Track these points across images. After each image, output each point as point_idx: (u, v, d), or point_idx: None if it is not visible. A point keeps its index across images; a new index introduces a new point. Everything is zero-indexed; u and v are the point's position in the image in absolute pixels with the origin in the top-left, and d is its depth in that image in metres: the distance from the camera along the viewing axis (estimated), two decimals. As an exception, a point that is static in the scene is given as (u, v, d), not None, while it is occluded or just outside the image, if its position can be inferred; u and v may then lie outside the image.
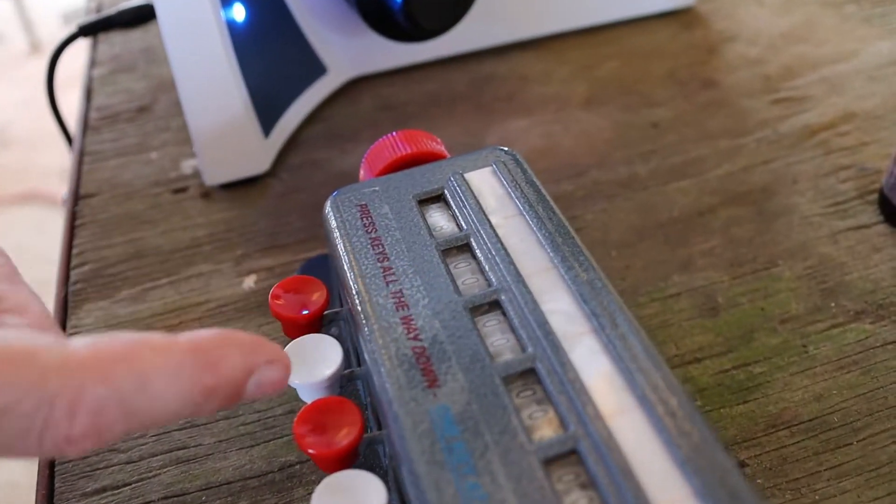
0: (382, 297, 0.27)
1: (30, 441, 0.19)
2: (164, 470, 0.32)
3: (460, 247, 0.29)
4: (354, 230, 0.30)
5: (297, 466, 0.32)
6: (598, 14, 0.56)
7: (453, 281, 0.28)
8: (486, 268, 0.28)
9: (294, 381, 0.28)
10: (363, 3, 0.45)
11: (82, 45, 0.59)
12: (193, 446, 0.33)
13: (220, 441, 0.33)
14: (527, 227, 0.29)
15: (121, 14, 0.53)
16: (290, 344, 0.29)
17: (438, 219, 0.31)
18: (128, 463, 0.32)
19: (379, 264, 0.29)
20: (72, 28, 0.53)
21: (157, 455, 0.32)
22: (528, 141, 0.47)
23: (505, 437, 0.23)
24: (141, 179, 0.47)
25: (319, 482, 0.24)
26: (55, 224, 1.76)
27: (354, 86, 0.53)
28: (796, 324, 0.36)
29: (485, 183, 0.32)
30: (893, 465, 0.30)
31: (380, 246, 0.29)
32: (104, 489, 0.32)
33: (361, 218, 0.31)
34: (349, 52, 0.51)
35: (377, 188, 0.32)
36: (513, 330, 0.26)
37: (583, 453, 0.22)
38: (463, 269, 0.29)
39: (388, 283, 0.28)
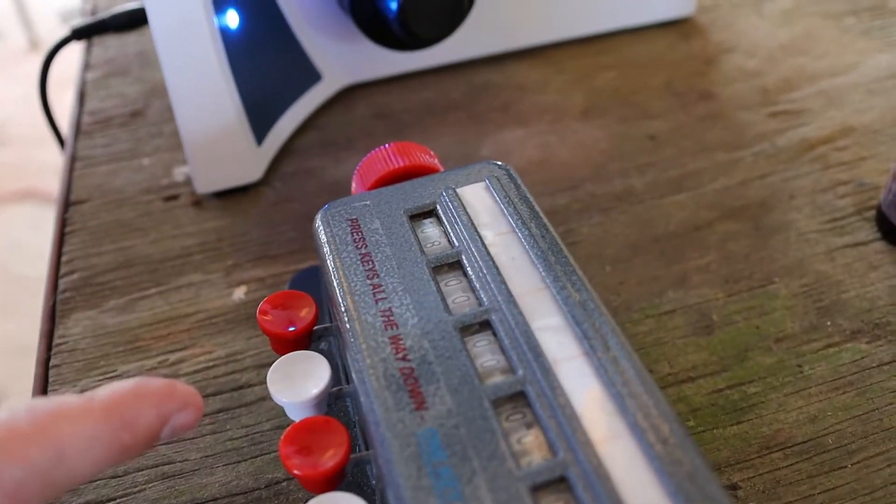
0: (371, 315, 0.27)
1: None
2: (150, 485, 0.31)
3: (451, 264, 0.29)
4: (344, 245, 0.30)
5: (285, 484, 0.31)
6: (595, 23, 0.56)
7: (443, 299, 0.27)
8: (478, 286, 0.28)
9: (282, 399, 0.27)
10: (358, 11, 0.45)
11: (77, 47, 0.59)
12: (179, 461, 0.32)
13: (207, 456, 0.32)
14: (519, 245, 0.29)
15: (115, 18, 0.53)
16: (277, 361, 0.28)
17: (430, 234, 0.30)
18: (113, 477, 0.32)
19: (368, 281, 0.28)
20: (68, 28, 0.53)
21: (142, 470, 0.32)
22: (524, 152, 0.47)
23: (493, 462, 0.22)
24: (132, 186, 0.46)
25: (307, 500, 0.24)
26: (52, 222, 1.75)
27: (349, 93, 0.52)
28: (791, 343, 0.35)
29: (477, 198, 0.31)
30: (888, 489, 0.30)
31: (370, 262, 0.29)
32: (88, 503, 0.31)
33: (352, 233, 0.30)
34: (344, 59, 0.51)
35: (368, 202, 0.32)
36: (503, 351, 0.26)
37: (572, 480, 0.22)
38: (454, 287, 0.28)
39: (377, 301, 0.27)
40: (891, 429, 0.32)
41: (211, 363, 0.36)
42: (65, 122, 0.57)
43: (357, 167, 0.34)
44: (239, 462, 0.32)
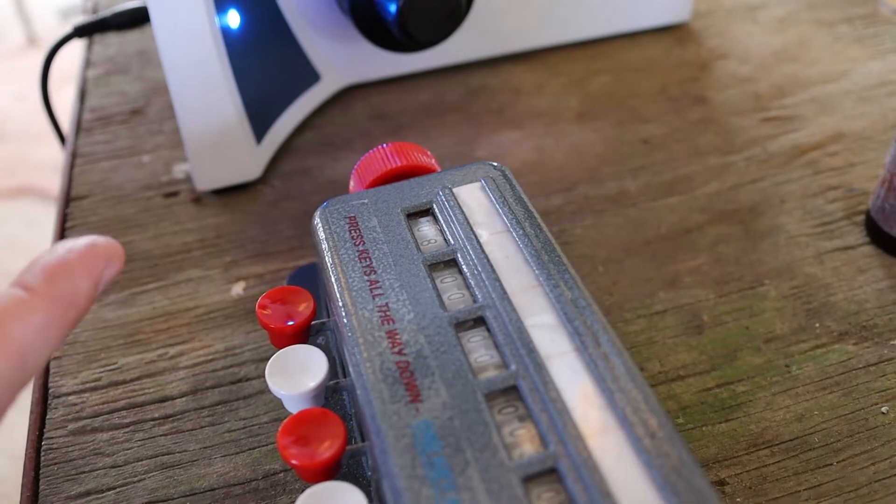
0: (368, 310, 0.27)
1: None
2: (149, 475, 0.32)
3: (447, 262, 0.30)
4: (342, 242, 0.30)
5: (282, 475, 0.32)
6: (591, 28, 0.56)
7: (439, 296, 0.28)
8: (472, 283, 0.28)
9: (279, 391, 0.28)
10: (358, 12, 0.45)
11: (77, 44, 0.59)
12: (178, 452, 0.33)
13: (205, 447, 0.33)
14: (514, 244, 0.30)
15: (116, 16, 0.53)
16: (276, 354, 0.29)
17: (426, 233, 0.31)
18: (112, 467, 0.32)
19: (366, 277, 0.29)
20: (68, 25, 0.53)
21: (141, 460, 0.33)
22: (519, 154, 0.48)
23: (485, 453, 0.23)
24: (132, 183, 0.47)
25: (303, 491, 0.24)
26: (48, 218, 1.75)
27: (347, 94, 0.53)
28: (780, 343, 0.36)
29: (473, 198, 0.32)
30: (872, 486, 0.31)
31: (367, 259, 0.30)
32: (88, 493, 0.32)
33: (350, 230, 0.31)
34: (343, 60, 0.51)
35: (366, 201, 0.32)
36: (496, 346, 0.26)
37: (562, 472, 0.22)
38: (449, 284, 0.29)
39: (374, 297, 0.28)
40: (875, 428, 0.32)
41: (210, 357, 0.36)
42: (64, 118, 0.58)
43: (355, 166, 0.35)
44: (237, 453, 0.33)
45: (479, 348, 0.26)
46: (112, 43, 0.60)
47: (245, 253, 0.42)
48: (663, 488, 0.22)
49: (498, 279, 0.28)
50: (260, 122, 0.46)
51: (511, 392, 0.25)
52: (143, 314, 0.39)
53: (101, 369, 0.36)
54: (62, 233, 0.44)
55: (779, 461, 0.31)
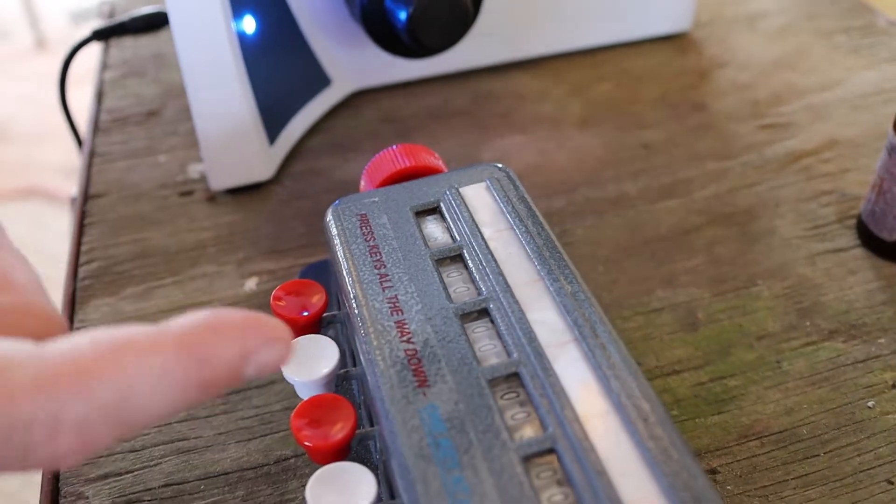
0: (378, 301, 0.29)
1: (12, 463, 0.17)
2: (165, 459, 0.34)
3: (453, 257, 0.31)
4: (354, 238, 0.32)
5: (293, 460, 0.33)
6: (594, 36, 0.58)
7: (445, 289, 0.29)
8: (477, 278, 0.30)
9: (293, 378, 0.29)
10: (369, 19, 0.47)
11: (89, 47, 0.61)
12: (194, 438, 0.34)
13: (220, 434, 0.34)
14: (517, 241, 0.31)
15: (134, 21, 0.55)
16: (289, 343, 0.30)
17: (434, 230, 0.33)
18: (130, 452, 0.34)
19: (376, 271, 0.30)
20: (80, 27, 0.55)
21: (158, 445, 0.34)
22: (523, 157, 0.49)
23: (488, 434, 0.24)
24: (149, 182, 0.48)
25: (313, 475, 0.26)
26: (54, 220, 1.77)
27: (357, 98, 0.55)
28: (772, 341, 0.37)
29: (479, 197, 0.33)
30: (857, 476, 0.32)
31: (377, 254, 0.31)
32: (107, 476, 0.33)
33: (361, 227, 0.32)
34: (353, 65, 0.53)
35: (377, 199, 0.34)
36: (499, 336, 0.28)
37: (560, 452, 0.24)
38: (455, 279, 0.30)
39: (384, 289, 0.29)
40: (862, 421, 0.34)
41: (224, 348, 0.38)
42: (76, 119, 0.59)
43: (366, 166, 0.36)
44: (250, 440, 0.34)
45: (483, 338, 0.28)
46: (128, 46, 0.62)
47: (258, 250, 0.43)
48: (654, 467, 0.23)
49: (501, 273, 0.30)
50: (273, 123, 0.47)
51: (513, 379, 0.26)
52: (159, 307, 0.40)
53: (120, 359, 0.38)
54: (81, 228, 0.46)
55: (768, 451, 0.33)
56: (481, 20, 0.53)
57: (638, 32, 0.59)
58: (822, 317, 0.38)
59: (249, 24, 0.45)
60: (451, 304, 0.29)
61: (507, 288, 0.29)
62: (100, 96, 0.57)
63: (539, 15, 0.55)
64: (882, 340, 0.37)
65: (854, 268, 0.41)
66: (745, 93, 0.54)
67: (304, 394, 0.30)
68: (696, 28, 0.61)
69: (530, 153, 0.49)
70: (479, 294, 0.29)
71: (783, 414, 0.34)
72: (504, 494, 0.23)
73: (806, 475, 0.32)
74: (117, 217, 0.46)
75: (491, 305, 0.29)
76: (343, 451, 0.27)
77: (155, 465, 0.33)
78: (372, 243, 0.32)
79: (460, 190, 0.34)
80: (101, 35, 0.55)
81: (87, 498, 0.33)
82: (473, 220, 0.32)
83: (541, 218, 0.32)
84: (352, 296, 0.29)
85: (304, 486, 0.32)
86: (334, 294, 0.35)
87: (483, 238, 0.31)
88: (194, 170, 0.49)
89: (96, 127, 0.54)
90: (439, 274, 0.30)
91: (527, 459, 0.24)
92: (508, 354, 0.27)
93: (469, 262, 0.31)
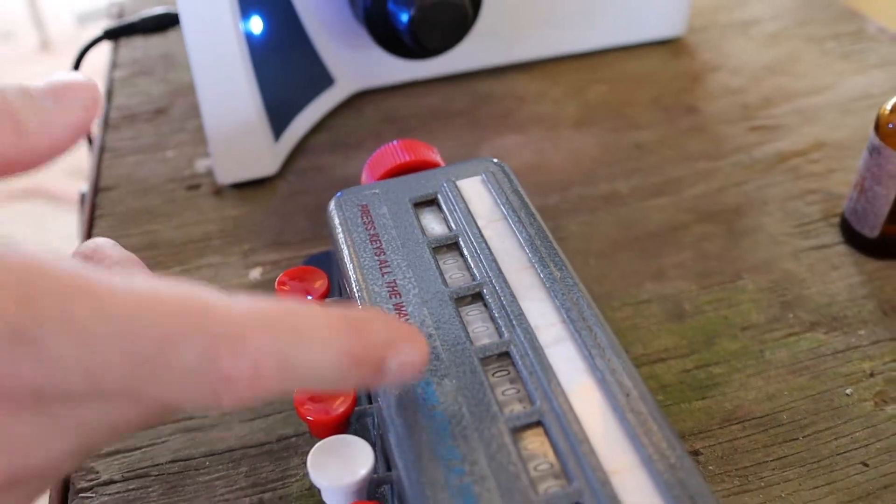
0: (378, 285, 0.31)
1: (192, 380, 0.19)
2: (172, 437, 0.35)
3: (449, 245, 0.33)
4: (355, 227, 0.33)
5: (294, 439, 0.35)
6: (591, 40, 0.60)
7: (441, 274, 0.31)
8: (472, 264, 0.31)
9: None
10: (372, 21, 0.48)
11: (95, 47, 0.62)
12: (199, 417, 0.36)
13: (224, 414, 0.36)
14: (510, 231, 0.33)
15: (143, 21, 0.57)
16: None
17: (431, 220, 0.34)
18: (138, 430, 0.35)
19: (376, 257, 0.32)
20: (85, 30, 0.57)
21: (165, 424, 0.36)
22: (520, 156, 0.51)
23: (480, 408, 0.26)
24: (157, 176, 0.50)
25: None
26: (57, 219, 1.79)
27: (360, 98, 0.56)
28: (756, 331, 0.39)
29: (474, 190, 0.35)
30: (833, 458, 0.33)
31: (377, 242, 0.33)
32: (117, 451, 0.35)
33: (362, 216, 0.34)
34: (356, 66, 0.55)
35: (377, 191, 0.35)
36: (492, 319, 0.29)
37: (546, 424, 0.25)
38: (451, 265, 0.32)
39: (383, 274, 0.31)
40: (839, 408, 0.35)
41: (229, 334, 0.39)
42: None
43: (368, 160, 0.38)
44: (253, 419, 0.36)
45: (476, 321, 0.29)
46: (137, 46, 0.64)
47: (262, 242, 0.45)
48: (634, 438, 0.25)
49: (495, 261, 0.31)
50: (278, 121, 0.49)
51: (504, 357, 0.28)
52: (167, 295, 0.42)
53: (129, 344, 0.39)
54: (91, 221, 0.47)
55: (749, 435, 0.34)
56: (480, 23, 0.55)
57: (633, 37, 0.61)
58: (804, 309, 0.40)
59: (257, 25, 0.47)
60: (447, 289, 0.30)
61: (500, 274, 0.30)
62: (110, 94, 0.58)
63: (537, 19, 0.57)
64: (862, 332, 0.39)
65: (837, 263, 0.42)
66: (736, 96, 0.56)
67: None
68: (690, 33, 0.63)
69: (527, 152, 0.51)
70: (473, 279, 0.31)
71: (764, 400, 0.36)
72: (493, 462, 0.24)
73: (785, 457, 0.34)
74: (126, 210, 0.48)
75: (484, 290, 0.30)
76: (342, 427, 0.29)
77: (162, 442, 0.35)
78: (372, 232, 0.33)
79: (457, 183, 0.35)
80: (111, 34, 0.57)
81: (98, 472, 0.34)
82: (469, 211, 0.34)
83: (533, 210, 0.34)
84: (353, 279, 0.31)
85: (305, 462, 0.34)
86: (335, 283, 0.37)
87: (478, 227, 0.33)
88: (201, 165, 0.51)
89: (106, 123, 0.55)
90: (436, 261, 0.32)
91: (515, 430, 0.25)
92: (500, 335, 0.29)
93: (464, 249, 0.32)
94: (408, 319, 0.29)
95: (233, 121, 0.46)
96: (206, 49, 0.45)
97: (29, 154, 0.22)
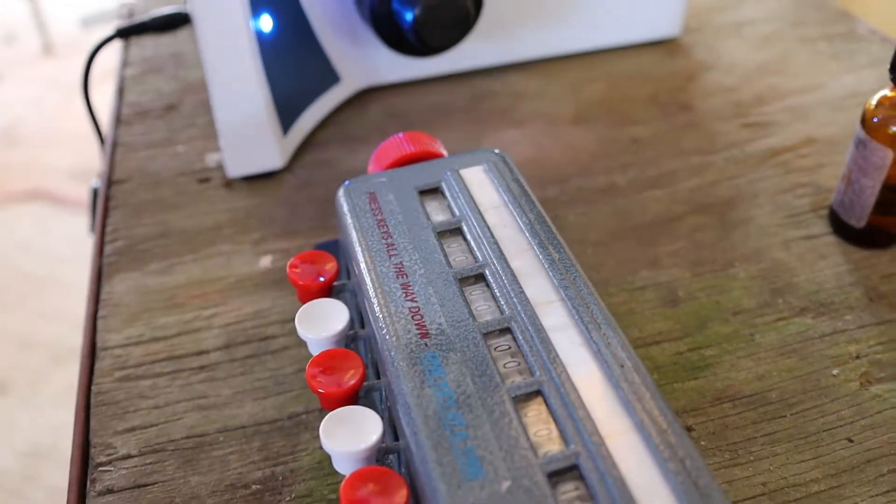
0: (386, 267, 0.32)
1: None
2: (187, 414, 0.37)
3: (453, 230, 0.34)
4: (363, 212, 0.35)
5: (304, 416, 0.36)
6: (589, 40, 0.61)
7: (446, 256, 0.32)
8: (474, 247, 0.33)
9: (307, 335, 0.32)
10: (377, 20, 0.50)
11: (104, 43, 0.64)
12: (213, 396, 0.37)
13: (237, 393, 0.37)
14: (510, 216, 0.34)
15: (154, 20, 0.59)
16: (303, 306, 0.33)
17: (436, 207, 0.36)
18: (154, 408, 0.37)
19: (383, 241, 0.33)
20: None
21: (180, 402, 0.37)
22: (520, 151, 0.52)
23: (483, 379, 0.27)
24: (168, 169, 0.52)
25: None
26: (59, 222, 1.80)
27: (365, 95, 0.58)
28: (747, 316, 0.40)
29: (477, 179, 0.37)
30: (819, 434, 0.35)
31: (385, 226, 0.34)
32: (133, 428, 0.36)
33: (370, 203, 0.36)
34: (361, 64, 0.56)
35: (384, 179, 0.37)
36: (494, 298, 0.31)
37: (545, 393, 0.27)
38: (454, 248, 0.33)
39: (390, 256, 0.33)
40: (826, 387, 0.37)
41: (241, 318, 0.41)
42: (84, 118, 0.63)
43: (374, 151, 0.39)
44: (265, 398, 0.37)
45: (478, 299, 0.31)
46: (147, 45, 0.65)
47: (272, 231, 0.46)
48: (627, 404, 0.26)
49: (496, 243, 0.33)
50: (286, 116, 0.51)
51: (505, 333, 0.30)
52: (179, 282, 0.43)
53: (143, 327, 0.41)
54: (106, 211, 0.49)
55: (739, 412, 0.36)
56: (481, 24, 0.57)
57: (630, 37, 0.62)
58: (793, 296, 0.42)
59: (266, 23, 0.49)
60: (451, 269, 0.32)
61: (501, 255, 0.32)
62: (121, 91, 0.60)
63: (536, 19, 0.58)
64: (848, 317, 0.40)
65: (825, 253, 0.44)
66: (729, 94, 0.58)
67: (317, 350, 0.33)
68: (685, 34, 0.64)
69: (527, 147, 0.53)
70: (476, 261, 0.32)
71: (754, 380, 0.37)
72: (496, 428, 0.26)
73: (773, 433, 0.35)
74: (139, 201, 0.49)
75: (486, 271, 0.32)
76: (352, 400, 0.30)
77: (177, 419, 0.37)
78: (379, 217, 0.35)
79: (460, 172, 0.37)
80: (123, 33, 0.59)
81: (116, 448, 0.36)
82: (472, 198, 0.35)
83: (533, 197, 0.35)
84: (361, 261, 0.33)
85: (315, 437, 0.36)
86: (343, 268, 0.38)
87: (480, 213, 0.34)
88: (211, 159, 0.52)
89: (118, 119, 0.57)
90: (440, 244, 0.33)
91: (516, 399, 0.27)
92: (501, 312, 0.30)
93: (467, 234, 0.34)
94: (414, 298, 0.31)
95: (243, 116, 0.48)
96: (218, 46, 0.46)
97: None
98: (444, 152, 0.40)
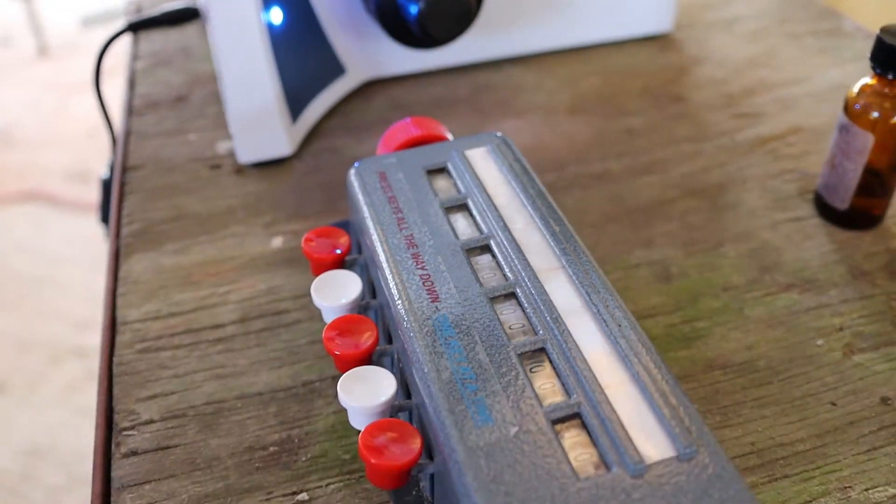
0: (397, 238, 0.34)
1: None
2: (206, 382, 0.39)
3: (460, 205, 0.36)
4: (374, 190, 0.37)
5: (318, 384, 0.38)
6: (584, 35, 0.64)
7: (453, 229, 0.35)
8: (480, 221, 0.35)
9: (322, 303, 0.34)
10: (383, 13, 0.52)
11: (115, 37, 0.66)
12: (230, 366, 0.39)
13: (253, 363, 0.39)
14: (513, 192, 0.36)
15: (165, 14, 0.61)
16: (318, 277, 0.35)
17: (443, 185, 0.38)
18: (174, 377, 0.39)
19: (394, 215, 0.36)
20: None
21: (199, 371, 0.39)
22: (519, 139, 0.54)
23: (490, 337, 0.30)
24: (180, 157, 0.54)
25: (337, 396, 0.31)
26: (55, 223, 1.81)
27: (369, 87, 0.60)
28: (736, 292, 0.43)
29: (481, 159, 0.39)
30: (804, 399, 0.37)
31: (395, 202, 0.36)
32: (155, 396, 0.38)
33: (380, 181, 0.38)
34: (366, 56, 0.58)
35: (393, 160, 0.39)
36: (499, 266, 0.33)
37: (549, 351, 0.29)
38: (461, 223, 0.36)
39: (401, 229, 0.35)
40: (811, 356, 0.39)
41: (255, 294, 0.43)
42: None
43: (383, 135, 0.41)
44: (280, 367, 0.39)
45: (485, 268, 0.33)
46: (156, 39, 0.67)
47: (283, 214, 0.48)
48: (625, 359, 0.28)
49: (501, 217, 0.35)
50: (295, 105, 0.53)
51: (510, 297, 0.32)
52: (194, 261, 0.45)
53: (161, 303, 0.43)
54: (121, 196, 0.51)
55: (730, 379, 0.38)
56: (482, 19, 0.59)
57: (624, 32, 0.65)
58: (780, 273, 0.44)
59: (277, 16, 0.51)
60: (458, 241, 0.34)
61: (506, 228, 0.34)
62: (132, 83, 0.62)
63: (535, 15, 0.61)
64: (832, 293, 0.43)
65: (811, 233, 0.46)
66: (720, 87, 0.60)
67: (331, 318, 0.35)
68: (677, 30, 0.67)
69: (526, 136, 0.55)
70: (482, 233, 0.34)
71: (743, 350, 0.39)
72: (503, 381, 0.28)
73: (761, 398, 0.37)
74: (153, 187, 0.51)
75: (491, 241, 0.34)
76: (367, 361, 0.32)
77: (197, 387, 0.38)
78: (390, 194, 0.37)
79: (465, 153, 0.39)
80: (135, 27, 0.60)
81: (138, 413, 0.37)
82: (476, 176, 0.37)
83: (534, 175, 0.37)
84: (373, 233, 0.35)
85: (328, 404, 0.38)
86: (354, 244, 0.40)
87: (485, 190, 0.36)
88: (222, 147, 0.54)
89: (130, 110, 0.59)
90: (448, 218, 0.35)
91: (521, 356, 0.29)
92: (506, 279, 0.32)
93: (473, 208, 0.36)
94: (424, 266, 0.33)
95: (254, 104, 0.50)
96: (231, 37, 0.48)
97: None
98: (450, 136, 0.42)
